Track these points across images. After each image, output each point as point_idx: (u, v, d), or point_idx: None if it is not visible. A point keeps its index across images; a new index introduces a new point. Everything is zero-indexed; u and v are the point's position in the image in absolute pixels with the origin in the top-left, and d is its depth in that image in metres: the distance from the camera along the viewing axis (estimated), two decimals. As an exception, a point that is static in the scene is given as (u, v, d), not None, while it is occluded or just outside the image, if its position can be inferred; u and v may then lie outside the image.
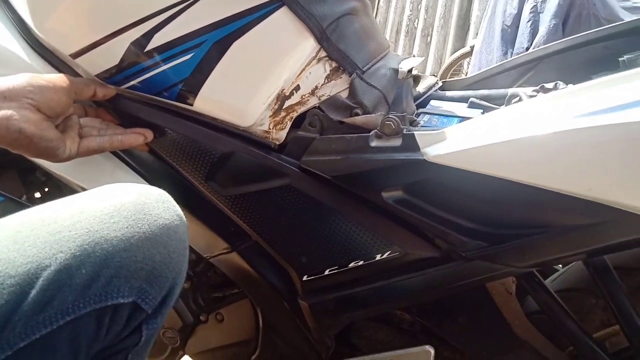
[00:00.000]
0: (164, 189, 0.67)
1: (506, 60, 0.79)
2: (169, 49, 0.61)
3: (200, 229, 0.73)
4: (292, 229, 0.67)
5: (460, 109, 0.71)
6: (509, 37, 2.18)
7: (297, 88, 0.63)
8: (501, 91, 0.72)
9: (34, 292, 0.41)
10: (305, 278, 0.70)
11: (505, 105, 0.65)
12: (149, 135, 0.65)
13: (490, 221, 0.57)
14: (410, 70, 0.68)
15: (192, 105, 0.64)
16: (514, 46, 2.17)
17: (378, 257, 0.65)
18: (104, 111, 0.67)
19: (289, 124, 0.64)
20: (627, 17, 1.96)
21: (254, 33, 0.59)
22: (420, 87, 0.76)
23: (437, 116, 0.67)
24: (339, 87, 0.64)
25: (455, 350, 0.75)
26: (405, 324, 0.78)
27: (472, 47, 2.41)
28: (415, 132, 0.57)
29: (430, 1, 3.52)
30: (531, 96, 0.66)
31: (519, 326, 0.68)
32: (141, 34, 0.61)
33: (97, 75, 0.65)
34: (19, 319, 0.40)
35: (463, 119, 0.67)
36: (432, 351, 0.69)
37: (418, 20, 3.59)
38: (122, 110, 0.66)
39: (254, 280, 0.74)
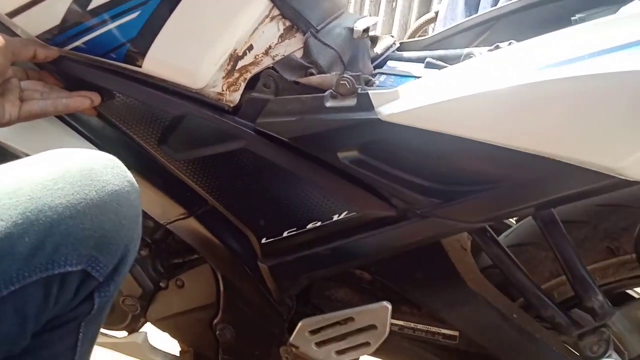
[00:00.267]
0: (116, 155, 0.65)
1: (462, 21, 0.79)
2: (114, 7, 0.58)
3: (156, 195, 0.72)
4: (248, 192, 0.66)
5: (417, 69, 0.71)
6: (472, 2, 2.19)
7: (250, 48, 0.61)
8: (457, 51, 0.73)
9: None
10: (264, 241, 0.70)
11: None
12: (96, 98, 0.62)
13: (444, 178, 0.58)
14: (366, 30, 0.67)
15: (140, 66, 0.62)
16: (477, 11, 2.18)
17: (335, 217, 0.66)
18: (47, 74, 0.64)
19: (243, 85, 0.63)
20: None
21: (204, -11, 0.57)
22: (378, 48, 0.75)
23: (393, 76, 0.67)
24: (293, 47, 0.63)
25: (412, 306, 0.77)
26: (365, 282, 0.80)
27: (437, 13, 2.41)
28: (369, 92, 0.57)
29: (395, -34, 3.47)
30: (484, 55, 0.66)
31: (472, 280, 0.71)
32: (83, -10, 0.57)
33: (38, 36, 0.62)
34: None
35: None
36: (389, 306, 0.71)
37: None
38: (66, 73, 0.63)
39: (212, 245, 0.74)
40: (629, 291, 0.76)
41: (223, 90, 0.63)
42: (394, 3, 3.50)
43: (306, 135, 0.60)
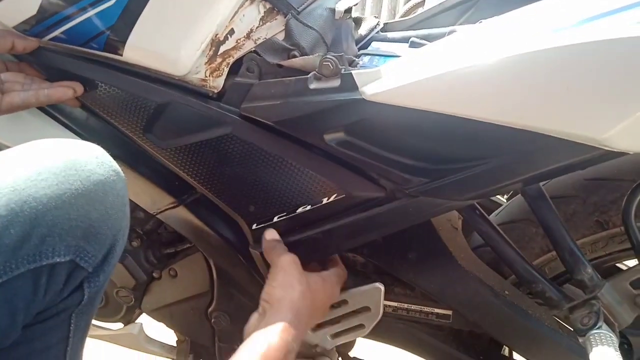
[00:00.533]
0: (101, 146, 0.64)
1: (444, 0, 0.78)
2: (91, -6, 0.57)
3: (144, 185, 0.71)
4: (237, 178, 0.66)
5: (402, 49, 0.70)
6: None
7: (232, 32, 0.61)
8: (441, 30, 0.72)
9: None
10: (254, 227, 0.70)
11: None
12: (79, 88, 0.62)
13: (430, 157, 0.58)
14: (348, 11, 0.66)
15: (121, 55, 0.61)
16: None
17: (325, 200, 0.65)
18: (27, 65, 0.63)
19: (226, 70, 0.62)
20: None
21: (182, -27, 0.57)
22: (362, 30, 0.74)
23: (377, 57, 0.67)
24: (274, 29, 0.62)
25: (405, 286, 0.77)
26: (358, 265, 0.80)
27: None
28: (352, 72, 0.57)
29: (382, -50, 3.44)
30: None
31: (464, 259, 0.71)
32: (59, -22, 0.57)
33: (15, 27, 0.61)
34: None
35: (404, 58, 0.67)
36: (382, 287, 0.71)
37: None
38: (47, 64, 0.63)
39: (203, 233, 0.74)
40: (618, 265, 0.77)
41: (206, 76, 0.62)
42: (382, -12, 3.48)
43: (291, 119, 0.60)
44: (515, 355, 0.83)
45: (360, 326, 0.74)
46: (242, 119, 0.62)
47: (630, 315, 0.67)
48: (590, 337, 0.61)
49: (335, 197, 0.65)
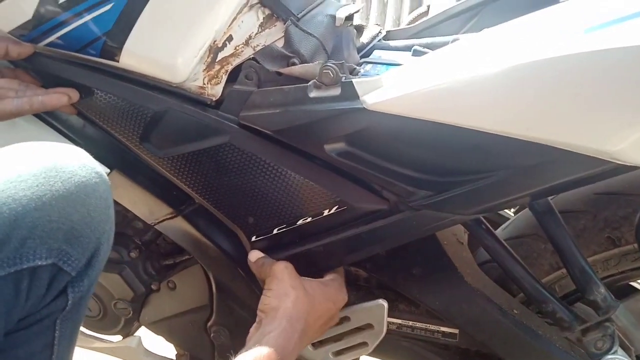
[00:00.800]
0: (98, 154, 0.63)
1: (449, 7, 0.76)
2: None
3: (142, 195, 0.70)
4: (235, 189, 0.64)
5: (404, 57, 0.68)
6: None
7: (230, 38, 0.59)
8: (445, 38, 0.70)
9: None
10: (254, 239, 0.68)
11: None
12: (74, 95, 0.61)
13: (435, 169, 0.56)
14: (349, 18, 0.65)
15: (118, 61, 0.60)
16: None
17: (326, 212, 0.63)
18: (22, 72, 0.62)
19: (225, 77, 0.61)
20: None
21: (179, -22, 0.55)
22: (364, 38, 0.73)
23: (379, 65, 0.65)
24: (274, 36, 0.60)
25: (410, 303, 0.74)
26: (361, 280, 0.78)
27: (429, 7, 2.37)
28: (353, 80, 0.55)
29: (385, -39, 3.44)
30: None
31: (470, 275, 0.68)
32: (54, -17, 0.56)
33: (11, 33, 0.60)
34: None
35: (407, 67, 0.65)
36: (386, 304, 0.68)
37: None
38: (43, 70, 0.62)
39: (202, 245, 0.72)
40: (632, 283, 0.73)
41: (204, 84, 0.61)
42: (385, -1, 3.47)
43: (291, 128, 0.58)
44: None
45: (363, 344, 0.72)
46: (241, 128, 0.61)
47: (646, 338, 0.64)
48: (606, 362, 0.58)
49: (337, 209, 0.63)
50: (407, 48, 0.70)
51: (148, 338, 0.87)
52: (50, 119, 0.67)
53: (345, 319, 0.71)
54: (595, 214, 0.66)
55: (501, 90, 0.47)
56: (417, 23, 0.76)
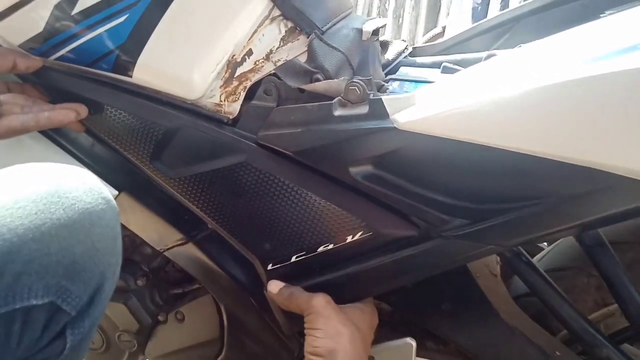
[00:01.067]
0: (106, 175, 0.59)
1: (478, 23, 0.72)
2: (100, 11, 0.54)
3: (151, 219, 0.66)
4: (251, 212, 0.60)
5: (433, 75, 0.64)
6: (479, 15, 2.15)
7: (250, 53, 0.55)
8: (477, 55, 0.66)
9: None
10: (270, 267, 0.63)
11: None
12: (83, 111, 0.57)
13: (472, 195, 0.51)
14: (376, 32, 0.61)
15: (131, 76, 0.56)
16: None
17: (349, 239, 0.58)
18: (30, 87, 0.59)
19: (243, 94, 0.57)
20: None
21: (197, -11, 0.52)
22: (389, 54, 0.69)
23: (407, 82, 0.61)
24: (296, 51, 0.57)
25: (438, 341, 0.68)
26: (384, 315, 0.72)
27: (444, 28, 2.37)
28: (383, 97, 0.50)
29: (400, -18, 3.47)
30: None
31: (507, 311, 0.62)
32: (66, -6, 0.53)
33: (21, 46, 0.57)
34: None
35: (438, 85, 0.61)
36: (414, 344, 0.63)
37: (389, 2, 3.53)
38: (52, 85, 0.59)
39: (214, 274, 0.67)
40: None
41: (221, 101, 0.57)
42: (400, 19, 3.49)
43: (313, 149, 0.54)
44: None
45: (388, 386, 0.66)
46: (259, 146, 0.56)
47: None
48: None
49: (361, 235, 0.58)
50: (435, 65, 0.66)
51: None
52: (58, 137, 0.63)
53: (369, 359, 0.65)
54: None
55: (553, 108, 0.42)
56: (444, 39, 0.72)
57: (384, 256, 0.58)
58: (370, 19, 0.61)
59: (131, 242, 0.72)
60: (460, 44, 0.72)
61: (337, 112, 0.52)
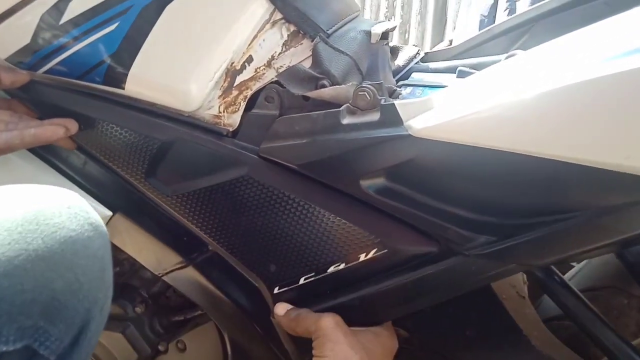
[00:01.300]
0: (100, 195, 0.55)
1: (494, 25, 0.68)
2: (89, 19, 0.50)
3: (148, 241, 0.62)
4: (255, 231, 0.55)
5: (448, 80, 0.59)
6: (486, 27, 2.13)
7: (250, 60, 0.52)
8: (494, 58, 0.61)
9: None
10: (276, 290, 0.58)
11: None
12: (72, 126, 0.53)
13: (498, 209, 0.46)
14: (385, 36, 0.57)
15: (123, 88, 0.53)
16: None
17: (362, 257, 0.53)
18: (17, 102, 0.55)
19: (243, 104, 0.53)
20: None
21: (191, -7, 0.49)
22: (400, 60, 0.64)
23: (421, 87, 0.56)
24: (300, 56, 0.53)
25: (462, 370, 0.63)
26: (401, 340, 0.66)
27: (451, 41, 2.34)
28: (395, 102, 0.46)
29: (406, -3, 3.48)
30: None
31: (538, 337, 0.57)
32: (53, 2, 0.50)
33: (8, 59, 0.54)
34: None
35: (454, 90, 0.56)
36: (434, 374, 0.57)
37: (394, 17, 3.53)
38: (40, 100, 0.55)
39: (216, 299, 0.63)
40: None
41: (220, 112, 0.53)
42: (406, 34, 3.48)
43: (320, 161, 0.49)
44: None
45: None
46: (261, 158, 0.52)
47: None
48: None
49: (375, 252, 0.53)
50: (449, 70, 0.61)
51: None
52: (48, 156, 0.60)
53: (386, 390, 0.59)
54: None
55: (590, 109, 0.38)
56: (457, 44, 0.67)
57: (401, 276, 0.53)
58: (379, 22, 0.57)
59: (130, 265, 0.68)
60: (475, 48, 0.67)
61: (346, 121, 0.48)
